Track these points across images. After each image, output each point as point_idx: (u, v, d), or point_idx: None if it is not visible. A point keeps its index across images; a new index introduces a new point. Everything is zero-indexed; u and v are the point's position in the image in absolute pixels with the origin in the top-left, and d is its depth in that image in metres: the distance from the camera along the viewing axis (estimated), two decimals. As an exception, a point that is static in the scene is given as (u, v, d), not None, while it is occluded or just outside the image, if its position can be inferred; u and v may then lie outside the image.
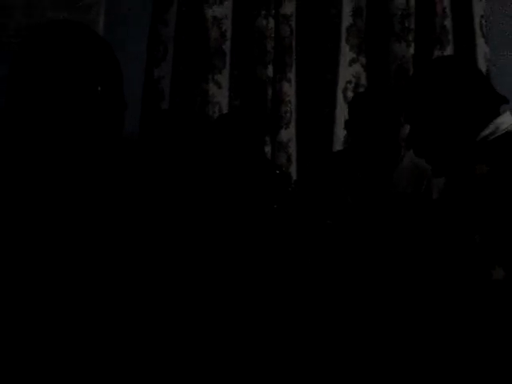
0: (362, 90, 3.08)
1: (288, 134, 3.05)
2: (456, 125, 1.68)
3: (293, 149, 3.06)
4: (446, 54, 3.05)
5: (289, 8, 3.07)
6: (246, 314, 1.68)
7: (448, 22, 3.10)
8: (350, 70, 3.09)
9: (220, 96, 3.05)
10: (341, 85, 3.07)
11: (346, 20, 3.10)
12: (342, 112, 3.03)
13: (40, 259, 1.20)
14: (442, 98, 1.69)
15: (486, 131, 1.64)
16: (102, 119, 1.32)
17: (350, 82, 3.09)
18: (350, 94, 3.05)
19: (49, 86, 1.27)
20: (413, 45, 3.08)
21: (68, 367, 1.19)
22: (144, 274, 1.32)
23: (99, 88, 1.30)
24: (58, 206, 1.23)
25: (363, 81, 3.11)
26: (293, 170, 3.05)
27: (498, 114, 1.68)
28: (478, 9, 3.10)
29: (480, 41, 3.08)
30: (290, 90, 3.06)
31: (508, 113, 1.68)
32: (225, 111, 3.04)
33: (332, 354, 1.71)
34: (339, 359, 1.71)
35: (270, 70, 3.04)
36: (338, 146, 3.04)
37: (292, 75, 3.07)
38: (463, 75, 1.70)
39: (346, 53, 3.09)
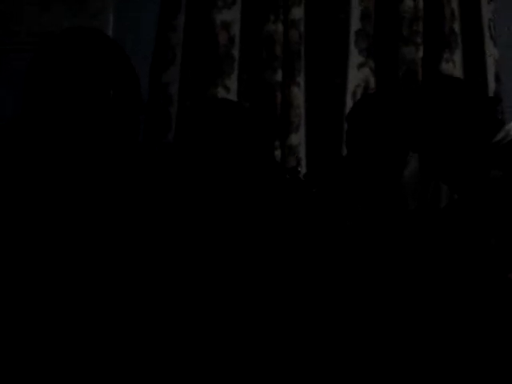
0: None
1: (297, 138, 3.04)
2: (468, 131, 1.70)
3: (302, 153, 3.06)
4: (454, 56, 3.04)
5: (297, 13, 3.07)
6: (249, 314, 1.68)
7: (457, 25, 3.09)
8: (358, 74, 3.09)
9: (229, 100, 3.05)
10: (350, 89, 3.07)
11: (355, 24, 3.09)
12: (351, 116, 3.04)
13: (41, 258, 1.20)
14: (452, 106, 1.71)
15: (498, 137, 1.66)
16: (117, 122, 1.32)
17: (358, 85, 3.09)
18: (359, 98, 3.05)
19: (64, 90, 1.28)
20: (421, 48, 3.07)
21: (68, 367, 1.19)
22: (148, 273, 1.33)
23: (112, 92, 1.30)
24: (65, 205, 1.24)
25: (372, 84, 3.10)
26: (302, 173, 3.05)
27: (495, 114, 1.70)
28: (487, 11, 3.10)
29: (489, 43, 3.08)
30: (299, 94, 3.06)
31: (519, 117, 1.70)
32: (234, 116, 3.04)
33: (338, 354, 1.71)
34: (344, 359, 1.71)
35: (279, 75, 3.04)
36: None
37: (301, 80, 3.07)
38: (463, 92, 1.72)
39: (355, 57, 3.08)
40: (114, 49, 1.34)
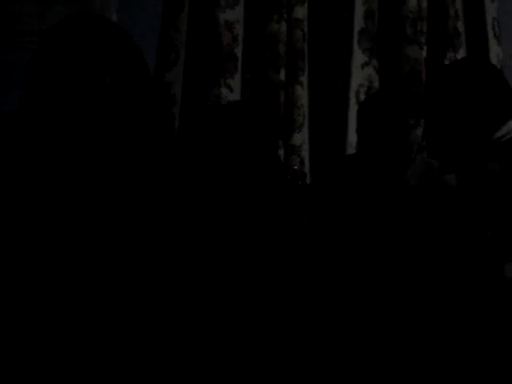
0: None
1: (301, 138, 3.04)
2: (471, 124, 1.69)
3: (306, 152, 3.06)
4: (458, 56, 3.03)
5: (301, 12, 3.07)
6: (249, 313, 1.68)
7: (460, 25, 3.09)
8: (362, 74, 3.08)
9: (232, 100, 3.06)
10: (353, 88, 3.06)
11: (358, 23, 3.09)
12: (354, 115, 3.02)
13: (40, 257, 1.19)
14: (458, 100, 1.70)
15: (500, 133, 1.65)
16: (119, 109, 1.30)
17: (362, 85, 3.08)
18: (362, 97, 3.04)
19: (58, 78, 1.26)
20: (425, 47, 3.06)
21: (68, 367, 1.19)
22: (148, 272, 1.32)
23: (108, 78, 1.28)
24: (59, 202, 1.22)
25: (376, 84, 3.10)
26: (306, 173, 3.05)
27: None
28: (491, 10, 3.09)
29: (493, 42, 3.07)
30: (302, 93, 3.06)
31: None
32: (237, 115, 3.03)
33: (334, 354, 1.71)
34: (340, 359, 1.71)
35: (282, 74, 3.04)
36: (350, 148, 3.04)
37: (304, 79, 3.07)
38: (481, 78, 1.71)
39: (359, 56, 3.08)
40: (114, 35, 1.31)
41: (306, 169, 3.06)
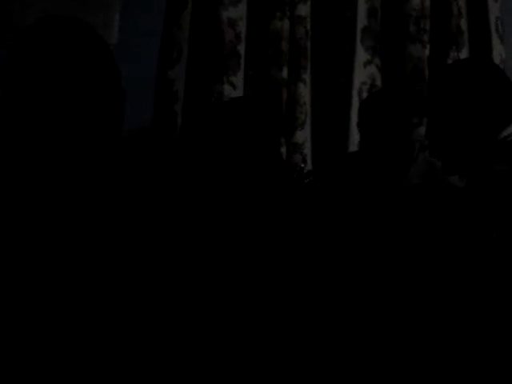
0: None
1: (303, 135, 3.04)
2: (476, 124, 1.69)
3: (308, 150, 3.06)
4: (461, 55, 3.04)
5: (304, 10, 3.07)
6: (249, 313, 1.68)
7: (463, 23, 3.09)
8: (365, 72, 3.09)
9: (235, 97, 3.06)
10: (356, 86, 3.06)
11: (361, 21, 3.09)
12: (356, 113, 3.03)
13: (40, 259, 1.19)
14: (461, 99, 1.70)
15: (505, 132, 1.65)
16: (96, 112, 1.29)
17: (364, 83, 3.09)
18: (365, 96, 3.05)
19: (33, 80, 1.25)
20: (428, 46, 3.07)
21: (68, 367, 1.19)
22: (148, 273, 1.32)
23: (95, 76, 1.27)
24: (57, 204, 1.22)
25: (378, 82, 3.10)
26: (308, 171, 3.05)
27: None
28: (494, 10, 3.09)
29: (496, 41, 3.08)
30: (305, 91, 3.06)
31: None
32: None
33: (333, 353, 1.71)
34: (340, 359, 1.71)
35: (285, 72, 3.04)
36: (353, 146, 3.04)
37: (307, 77, 3.07)
38: (484, 77, 1.71)
39: (361, 54, 3.08)
40: (87, 35, 1.30)
41: (309, 166, 3.06)
